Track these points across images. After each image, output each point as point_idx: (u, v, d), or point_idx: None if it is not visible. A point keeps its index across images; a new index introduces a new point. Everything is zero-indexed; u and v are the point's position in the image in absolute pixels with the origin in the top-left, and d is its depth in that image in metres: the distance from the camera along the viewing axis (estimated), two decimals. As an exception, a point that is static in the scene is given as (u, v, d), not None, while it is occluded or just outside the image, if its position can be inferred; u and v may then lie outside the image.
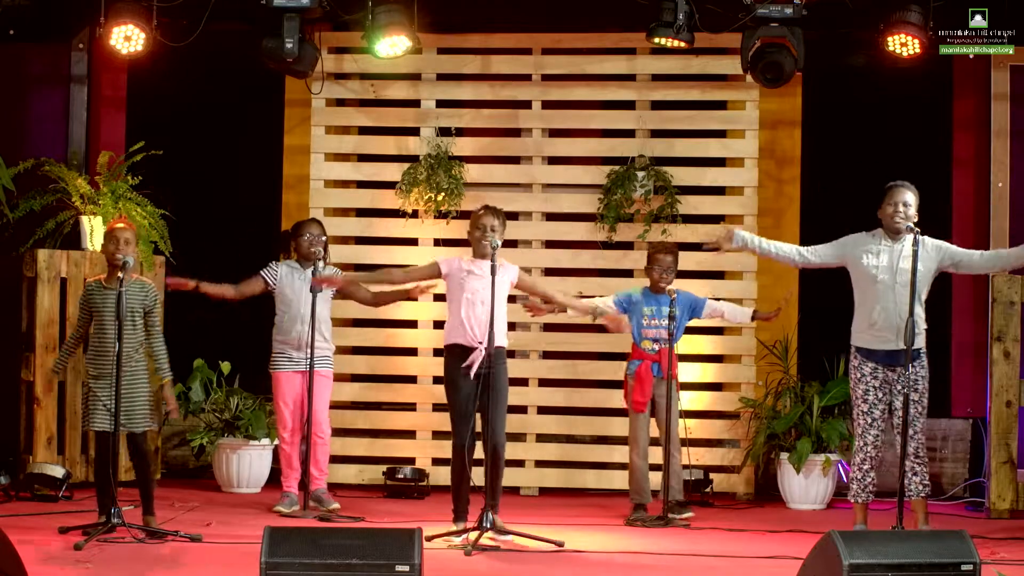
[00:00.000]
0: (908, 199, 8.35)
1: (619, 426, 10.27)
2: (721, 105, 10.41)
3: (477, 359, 8.35)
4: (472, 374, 8.36)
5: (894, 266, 8.30)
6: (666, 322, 9.08)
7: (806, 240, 10.32)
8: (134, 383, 8.22)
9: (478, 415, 8.45)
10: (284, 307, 9.25)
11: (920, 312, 8.26)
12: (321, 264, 9.16)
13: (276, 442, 9.72)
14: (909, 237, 8.25)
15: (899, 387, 8.27)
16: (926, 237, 8.34)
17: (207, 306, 9.99)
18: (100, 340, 8.25)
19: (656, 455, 9.24)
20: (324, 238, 9.29)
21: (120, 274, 8.11)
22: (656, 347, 9.11)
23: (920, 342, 8.27)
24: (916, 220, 8.33)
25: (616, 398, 9.89)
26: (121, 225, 8.37)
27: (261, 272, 9.30)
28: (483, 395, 8.35)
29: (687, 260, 10.11)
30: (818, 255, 8.56)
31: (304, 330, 9.07)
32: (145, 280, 8.45)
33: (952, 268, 8.50)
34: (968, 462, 10.38)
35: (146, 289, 8.32)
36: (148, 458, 8.40)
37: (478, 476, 8.53)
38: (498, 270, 8.40)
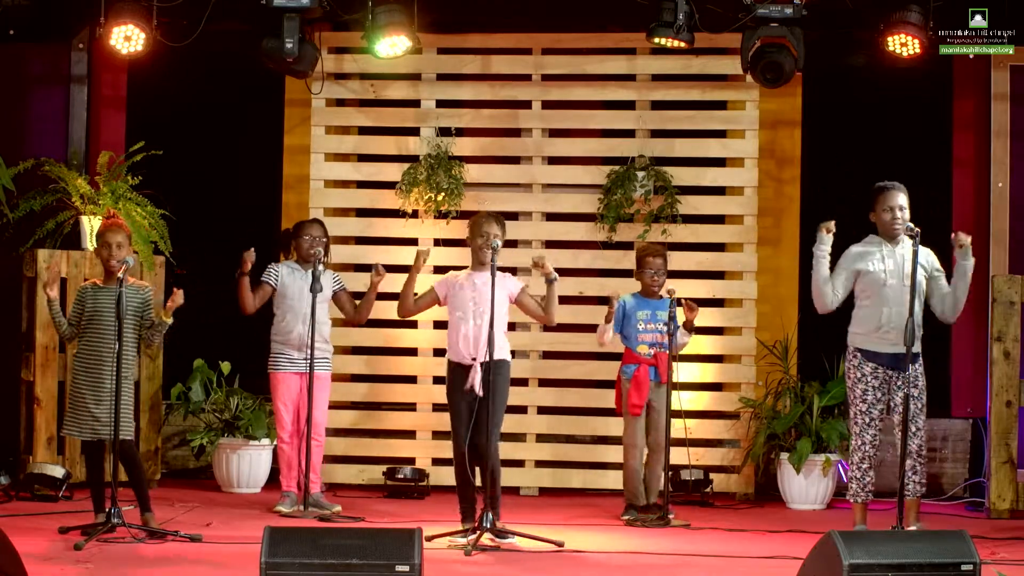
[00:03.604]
0: (903, 201, 8.33)
1: (619, 427, 10.27)
2: (721, 105, 10.41)
3: (475, 376, 8.27)
4: (472, 387, 8.27)
5: (900, 270, 8.28)
6: (661, 326, 9.07)
7: (807, 241, 10.34)
8: (124, 391, 8.21)
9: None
10: (286, 308, 9.24)
11: (920, 314, 8.27)
12: (320, 266, 9.17)
13: (276, 442, 9.72)
14: (906, 242, 8.23)
15: (899, 384, 8.26)
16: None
17: (207, 306, 10.01)
18: (95, 344, 8.24)
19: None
20: (325, 239, 9.29)
21: (120, 275, 8.10)
22: (652, 351, 9.10)
23: (919, 347, 8.28)
24: (909, 219, 8.32)
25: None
26: (112, 229, 8.34)
27: (263, 279, 9.27)
28: (480, 407, 8.30)
29: (687, 260, 10.13)
30: (839, 289, 8.40)
31: (305, 331, 9.07)
32: (140, 285, 8.41)
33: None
34: (968, 462, 10.38)
35: (141, 294, 8.29)
36: (138, 460, 8.42)
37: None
38: (498, 279, 8.34)
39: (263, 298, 9.28)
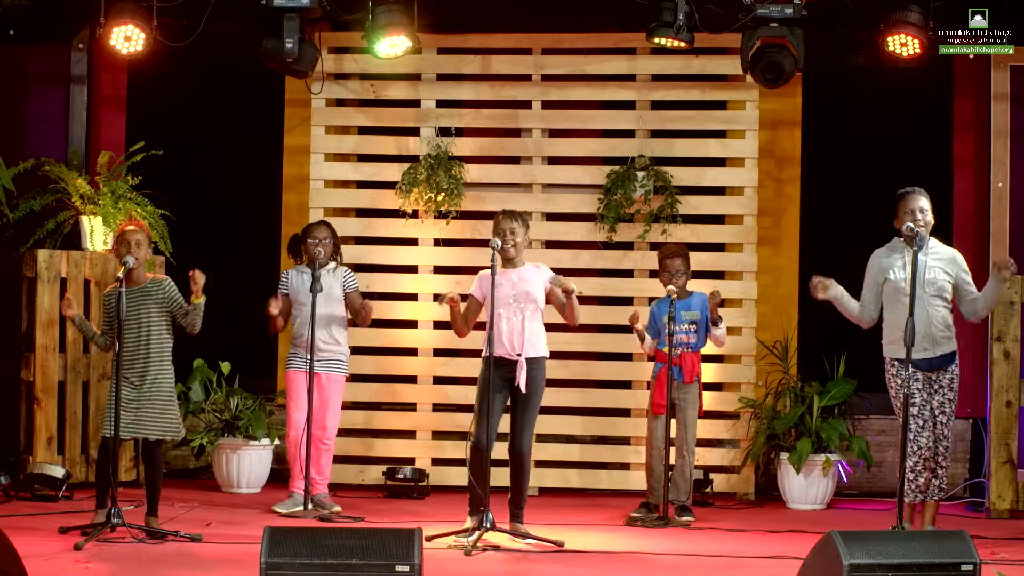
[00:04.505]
0: (924, 205, 8.32)
1: (621, 426, 10.29)
2: (721, 105, 10.41)
3: (521, 373, 8.25)
4: (518, 383, 8.26)
5: (922, 276, 8.27)
6: (686, 326, 9.11)
7: (807, 241, 10.36)
8: (157, 390, 8.20)
9: (505, 417, 8.41)
10: (297, 310, 9.25)
11: (948, 317, 8.29)
12: (333, 264, 9.18)
13: (276, 442, 9.71)
14: (930, 243, 8.25)
15: (935, 388, 8.28)
16: (943, 246, 8.36)
17: (207, 306, 10.00)
18: (126, 346, 8.22)
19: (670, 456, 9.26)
20: (333, 240, 9.28)
21: (120, 274, 8.09)
22: (677, 351, 9.10)
23: (952, 346, 8.32)
24: (932, 224, 8.32)
25: (621, 398, 9.89)
26: (131, 228, 8.33)
27: (279, 291, 9.27)
28: (514, 401, 8.33)
29: (687, 260, 10.12)
30: (871, 303, 8.44)
31: (315, 332, 9.06)
32: (158, 279, 8.38)
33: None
34: (968, 462, 10.38)
35: (161, 288, 8.27)
36: (159, 465, 8.36)
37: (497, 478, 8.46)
38: (531, 272, 8.39)
39: (287, 310, 9.29)
